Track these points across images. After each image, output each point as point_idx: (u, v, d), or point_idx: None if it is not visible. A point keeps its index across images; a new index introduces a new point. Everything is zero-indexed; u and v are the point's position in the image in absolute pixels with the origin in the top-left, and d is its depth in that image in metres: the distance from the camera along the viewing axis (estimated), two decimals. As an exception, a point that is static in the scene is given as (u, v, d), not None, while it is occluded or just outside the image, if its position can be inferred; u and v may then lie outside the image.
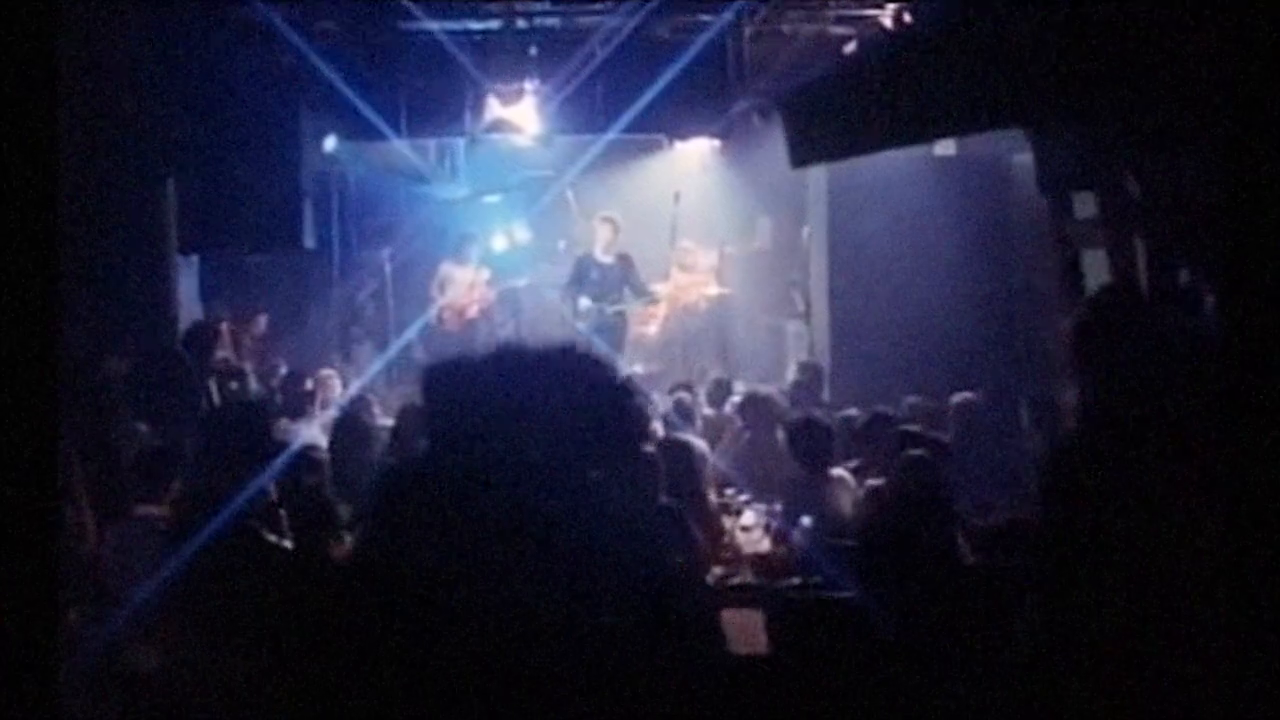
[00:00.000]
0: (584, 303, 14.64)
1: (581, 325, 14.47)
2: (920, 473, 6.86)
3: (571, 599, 4.79)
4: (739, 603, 6.36)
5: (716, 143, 16.02)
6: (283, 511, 6.59)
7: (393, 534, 4.69)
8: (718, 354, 16.36)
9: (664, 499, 6.89)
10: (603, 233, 14.59)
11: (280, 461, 7.92)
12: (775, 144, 14.07)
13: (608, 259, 14.57)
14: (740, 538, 7.77)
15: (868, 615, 5.07)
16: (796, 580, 5.46)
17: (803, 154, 9.03)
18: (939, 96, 5.47)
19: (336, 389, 12.34)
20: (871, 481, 7.67)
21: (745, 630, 5.96)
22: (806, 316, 14.34)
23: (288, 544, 6.30)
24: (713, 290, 16.47)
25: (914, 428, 8.13)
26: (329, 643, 5.55)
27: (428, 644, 4.53)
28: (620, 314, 14.60)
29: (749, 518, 8.30)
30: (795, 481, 7.92)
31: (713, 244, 16.51)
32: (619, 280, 14.55)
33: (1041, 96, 4.83)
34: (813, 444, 7.74)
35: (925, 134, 7.77)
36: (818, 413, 8.49)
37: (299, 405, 11.81)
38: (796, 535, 7.30)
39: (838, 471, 7.82)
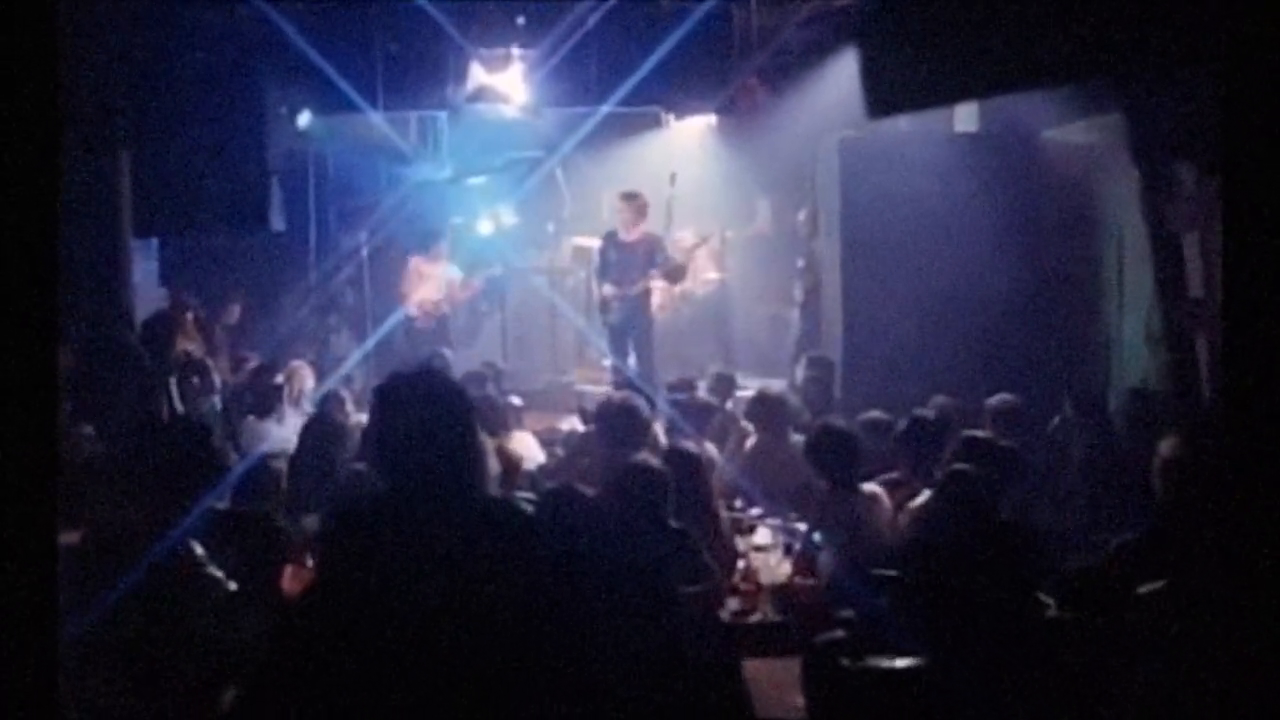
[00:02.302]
0: (606, 289, 13.47)
1: (609, 319, 13.43)
2: (967, 491, 5.90)
3: (560, 643, 3.90)
4: (763, 648, 5.43)
5: (713, 120, 15.18)
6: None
7: (348, 585, 3.81)
8: (716, 345, 15.48)
9: (672, 521, 5.95)
10: (622, 211, 13.36)
11: (233, 478, 7.13)
12: (780, 119, 13.30)
13: (630, 238, 13.32)
14: (755, 560, 6.82)
15: (932, 677, 4.13)
16: (839, 631, 4.51)
17: (883, 102, 7.95)
18: (1041, 38, 4.53)
19: (309, 382, 11.34)
20: (917, 501, 6.70)
21: (773, 684, 5.03)
22: (804, 308, 13.36)
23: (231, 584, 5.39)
24: (711, 276, 15.57)
25: (981, 433, 7.14)
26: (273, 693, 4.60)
27: (388, 694, 3.61)
28: (642, 295, 13.36)
29: (763, 536, 7.36)
30: (818, 497, 6.95)
31: (711, 228, 15.60)
32: (643, 262, 13.28)
33: (1148, 39, 3.95)
34: (838, 455, 6.76)
35: (1026, 81, 6.69)
36: (840, 419, 7.50)
37: (268, 401, 10.85)
38: (824, 561, 6.36)
39: (869, 487, 6.84)
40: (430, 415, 3.61)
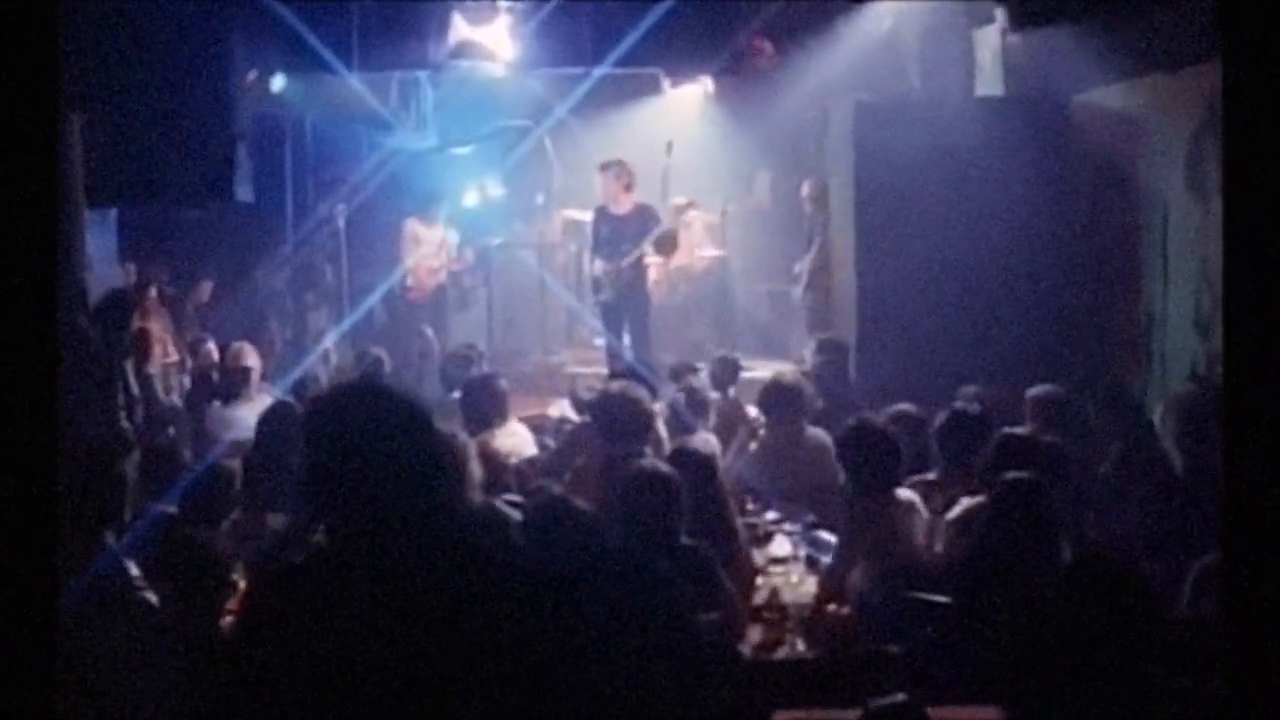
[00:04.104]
0: (598, 265, 12.56)
1: (602, 297, 12.56)
2: (1031, 505, 5.05)
3: (554, 694, 3.16)
4: (794, 692, 4.60)
5: (711, 88, 14.49)
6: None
7: (280, 659, 3.01)
8: (715, 325, 14.68)
9: (684, 538, 5.12)
10: (604, 183, 12.42)
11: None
12: (785, 84, 12.45)
13: (621, 211, 12.41)
14: (774, 574, 6.01)
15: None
16: (900, 695, 3.70)
17: (1034, 12, 6.99)
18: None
19: (250, 360, 10.39)
20: (955, 511, 5.87)
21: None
22: (807, 287, 12.50)
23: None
24: (710, 252, 14.74)
25: (1020, 430, 6.32)
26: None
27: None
28: (637, 270, 12.47)
29: (781, 545, 6.53)
30: (845, 502, 6.12)
31: (710, 201, 14.77)
32: (636, 235, 12.36)
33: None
34: (875, 459, 5.89)
35: None
36: (877, 416, 6.64)
37: (234, 386, 10.05)
38: (854, 579, 5.54)
39: (903, 493, 5.99)
40: (370, 449, 2.77)
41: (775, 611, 5.17)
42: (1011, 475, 5.20)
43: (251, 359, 10.30)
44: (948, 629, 4.92)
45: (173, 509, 6.27)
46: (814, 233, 12.61)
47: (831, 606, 5.11)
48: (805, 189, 12.80)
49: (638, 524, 4.93)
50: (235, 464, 6.66)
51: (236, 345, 10.52)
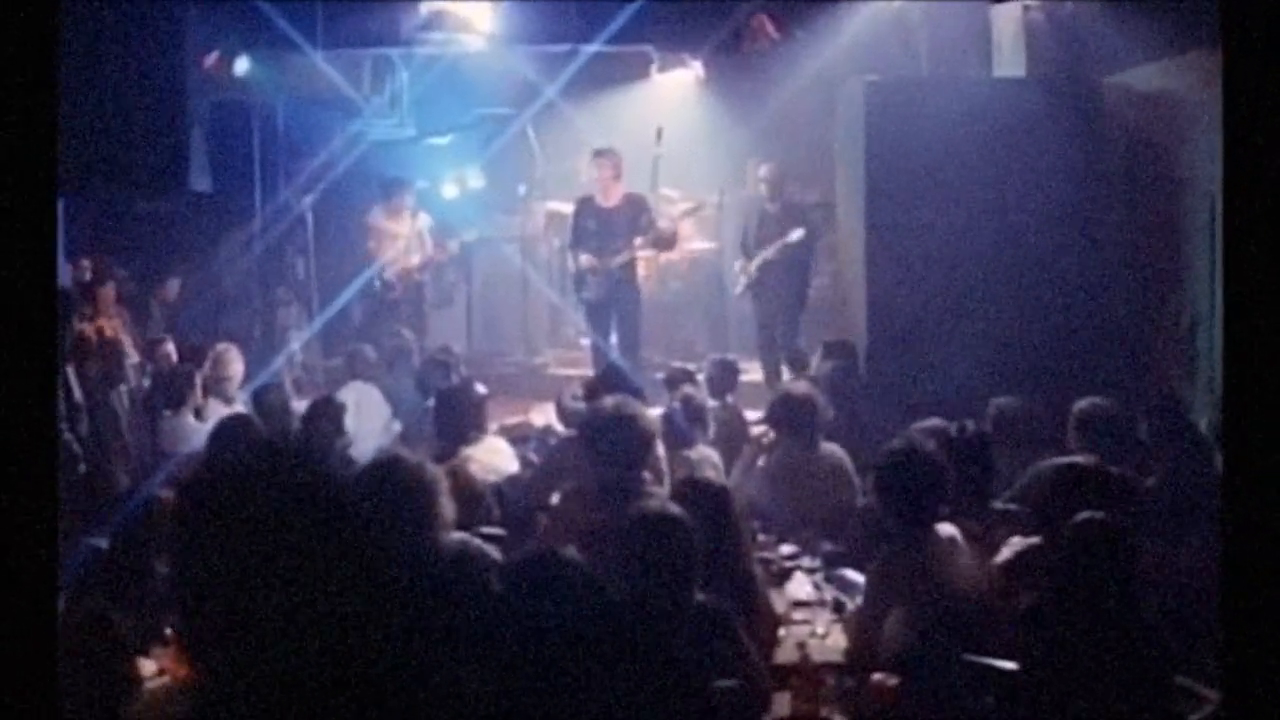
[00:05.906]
0: (584, 260, 11.68)
1: (587, 294, 11.71)
2: (1109, 550, 4.22)
3: None
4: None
5: (701, 73, 13.71)
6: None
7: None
8: (707, 323, 13.90)
9: (699, 594, 4.28)
10: (596, 171, 11.62)
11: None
12: (783, 66, 11.78)
13: (610, 203, 11.61)
14: (796, 621, 5.21)
15: None
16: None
17: None
18: None
19: (235, 367, 9.69)
20: (1004, 554, 5.05)
21: None
22: (758, 286, 11.64)
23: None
24: (701, 245, 13.94)
25: (1081, 459, 5.51)
26: None
27: None
28: (628, 266, 11.64)
29: (801, 585, 5.71)
30: (877, 540, 5.30)
31: (701, 191, 13.96)
32: (627, 228, 11.54)
33: None
34: (920, 490, 5.03)
35: None
36: (916, 436, 5.78)
37: (179, 391, 9.31)
38: (893, 631, 4.71)
39: (946, 529, 5.14)
40: (277, 565, 1.90)
41: (806, 676, 4.32)
42: (1085, 516, 4.36)
43: (236, 365, 9.68)
44: (1014, 699, 4.13)
45: (102, 543, 5.56)
46: (765, 224, 11.67)
47: (878, 676, 4.25)
48: (762, 171, 11.88)
49: (644, 579, 4.09)
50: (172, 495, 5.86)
51: (222, 347, 9.90)
